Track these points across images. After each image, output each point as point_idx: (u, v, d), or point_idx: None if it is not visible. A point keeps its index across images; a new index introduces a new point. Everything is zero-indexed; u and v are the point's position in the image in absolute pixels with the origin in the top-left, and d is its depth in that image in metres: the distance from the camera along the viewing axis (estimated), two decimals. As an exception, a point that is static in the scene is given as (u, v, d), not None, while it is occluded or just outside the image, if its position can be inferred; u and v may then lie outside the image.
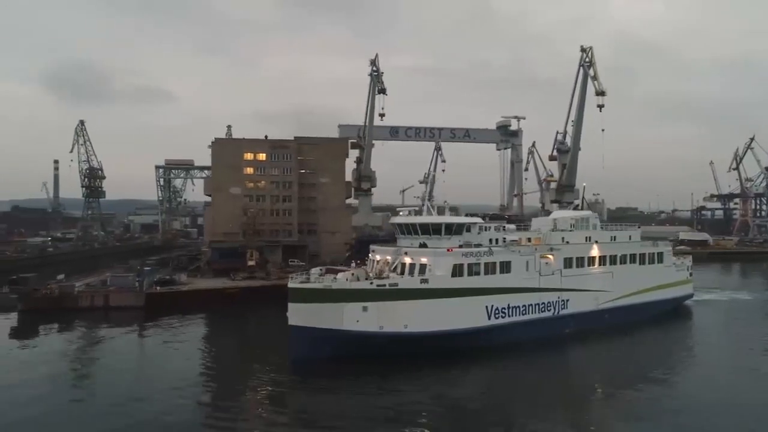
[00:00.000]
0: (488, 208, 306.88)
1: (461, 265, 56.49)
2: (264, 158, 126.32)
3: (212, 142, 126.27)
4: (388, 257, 59.55)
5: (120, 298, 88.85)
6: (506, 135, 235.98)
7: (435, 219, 59.80)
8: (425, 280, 54.73)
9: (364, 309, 52.04)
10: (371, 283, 53.38)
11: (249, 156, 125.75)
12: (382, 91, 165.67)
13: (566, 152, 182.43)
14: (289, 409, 44.17)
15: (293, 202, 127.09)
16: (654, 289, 74.77)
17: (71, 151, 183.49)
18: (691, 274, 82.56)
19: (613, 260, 70.58)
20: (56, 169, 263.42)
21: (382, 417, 40.83)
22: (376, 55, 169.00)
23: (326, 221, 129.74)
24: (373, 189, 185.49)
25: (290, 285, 53.58)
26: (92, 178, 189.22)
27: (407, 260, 57.10)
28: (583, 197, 79.12)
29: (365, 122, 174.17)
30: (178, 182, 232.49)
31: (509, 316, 59.93)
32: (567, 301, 65.04)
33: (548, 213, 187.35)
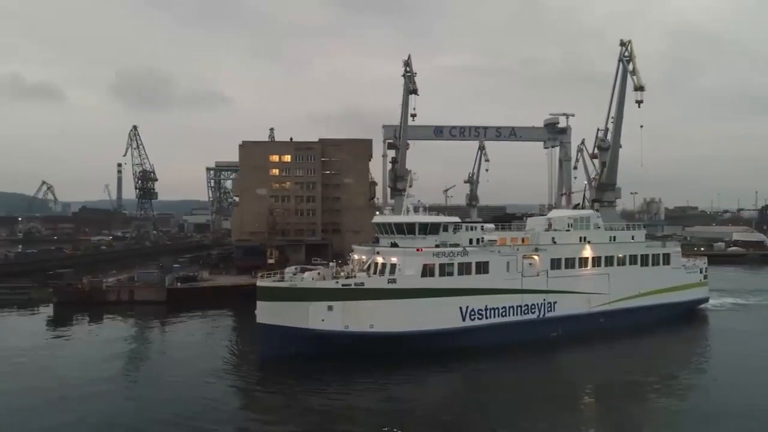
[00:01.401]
0: (536, 207, 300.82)
1: (432, 265, 55.97)
2: (289, 160, 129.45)
3: (240, 145, 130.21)
4: (364, 257, 59.80)
5: (144, 293, 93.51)
6: (554, 133, 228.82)
7: (408, 218, 59.43)
8: (393, 280, 54.60)
9: (329, 308, 52.50)
10: (337, 283, 53.77)
11: (274, 158, 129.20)
12: (414, 91, 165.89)
13: (606, 150, 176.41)
14: (255, 406, 44.71)
15: (317, 202, 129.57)
16: (659, 292, 71.22)
17: (125, 155, 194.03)
18: (705, 277, 78.03)
19: (609, 261, 67.81)
20: (119, 171, 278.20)
21: (344, 416, 41.02)
22: (409, 56, 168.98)
23: (350, 221, 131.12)
24: (409, 189, 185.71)
25: (258, 283, 54.84)
26: (145, 180, 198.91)
27: (379, 260, 57.14)
28: (584, 196, 76.28)
29: (400, 123, 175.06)
30: (228, 183, 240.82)
31: (487, 317, 58.81)
32: (554, 303, 63.09)
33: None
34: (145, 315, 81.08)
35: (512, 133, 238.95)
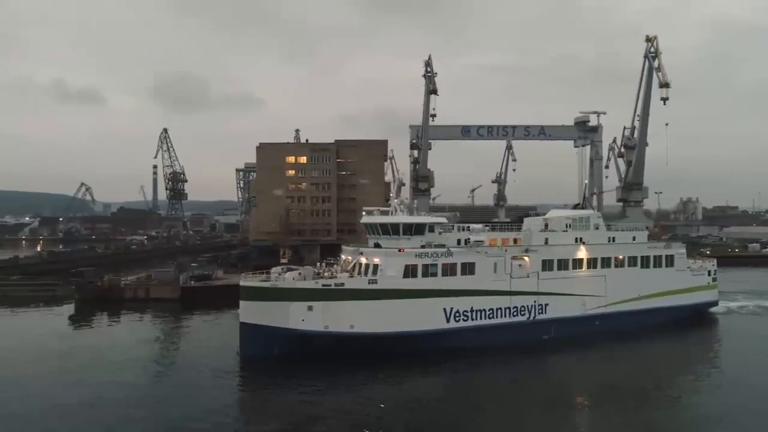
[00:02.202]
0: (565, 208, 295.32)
1: (414, 265, 55.79)
2: (305, 161, 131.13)
3: (257, 147, 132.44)
4: (349, 257, 60.09)
5: (158, 291, 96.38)
6: (584, 131, 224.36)
7: (392, 219, 59.37)
8: (374, 281, 54.68)
9: (309, 308, 52.88)
10: (317, 283, 54.17)
11: (291, 159, 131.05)
12: (434, 91, 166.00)
13: (633, 148, 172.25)
14: (234, 405, 44.82)
15: (332, 202, 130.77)
16: (662, 295, 69.11)
17: (155, 157, 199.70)
18: (714, 279, 75.32)
19: (606, 263, 66.22)
20: (154, 173, 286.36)
21: (323, 416, 40.70)
22: (429, 56, 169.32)
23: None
24: (431, 189, 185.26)
25: (241, 283, 55.75)
26: (175, 181, 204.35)
27: (363, 260, 57.29)
28: (585, 195, 74.60)
29: (423, 123, 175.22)
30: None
31: (473, 319, 58.28)
32: (546, 305, 62.04)
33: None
34: (159, 312, 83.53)
35: (541, 132, 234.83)
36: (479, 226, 64.12)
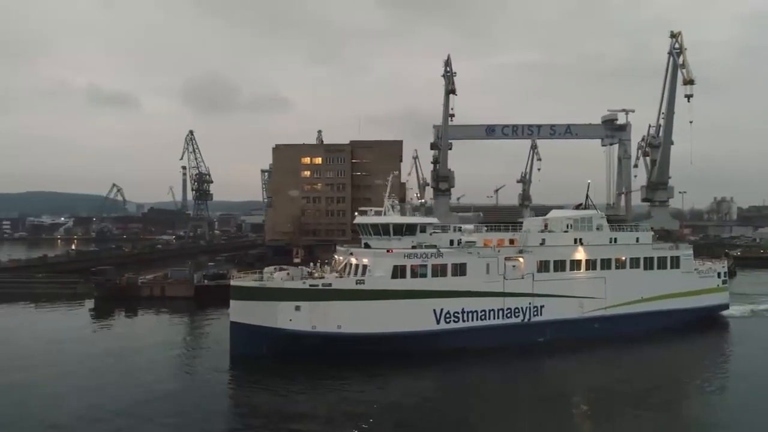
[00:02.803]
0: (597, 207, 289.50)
1: (403, 266, 55.65)
2: (320, 162, 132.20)
3: (273, 148, 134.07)
4: (341, 258, 60.33)
5: (173, 290, 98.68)
6: (612, 130, 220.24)
7: (382, 219, 59.24)
8: (361, 281, 54.78)
9: (297, 308, 53.25)
10: (304, 283, 54.53)
11: (306, 160, 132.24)
12: (452, 91, 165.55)
13: (657, 147, 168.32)
14: (222, 404, 45.04)
15: (347, 202, 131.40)
16: (666, 298, 67.18)
17: (181, 159, 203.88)
18: (724, 282, 72.84)
19: (606, 264, 64.75)
20: (184, 174, 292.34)
21: (309, 416, 40.94)
22: (448, 56, 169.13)
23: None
24: (452, 189, 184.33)
25: (231, 283, 56.53)
26: (200, 182, 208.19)
27: (353, 261, 57.47)
28: (588, 195, 73.00)
29: (442, 123, 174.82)
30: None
31: (464, 320, 57.79)
32: (541, 307, 61.09)
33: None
34: (173, 310, 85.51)
35: (567, 131, 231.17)
36: (471, 226, 63.57)
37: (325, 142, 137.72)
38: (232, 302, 55.59)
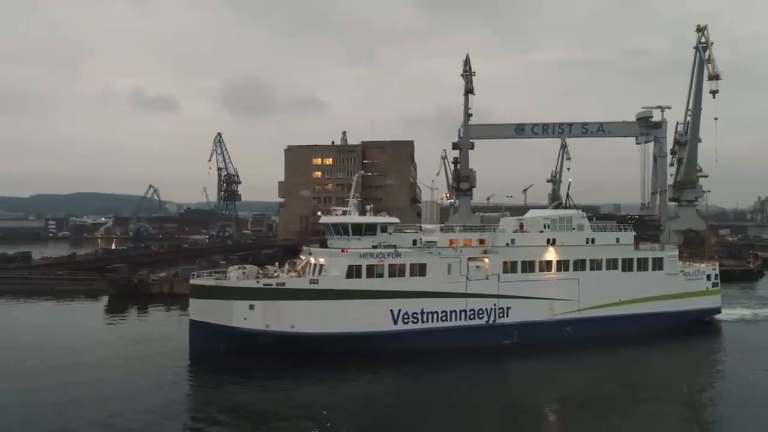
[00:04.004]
0: (627, 207, 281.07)
1: (358, 266, 55.49)
2: (331, 163, 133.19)
3: (285, 149, 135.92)
4: (304, 257, 60.69)
5: (181, 287, 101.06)
6: (647, 127, 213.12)
7: (342, 219, 59.18)
8: (315, 281, 54.96)
9: (251, 307, 53.82)
10: (258, 282, 55.11)
11: (317, 161, 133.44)
12: (470, 91, 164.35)
13: (684, 145, 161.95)
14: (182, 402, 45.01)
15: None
16: (647, 300, 64.52)
17: (209, 160, 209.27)
18: (715, 285, 69.31)
19: (580, 265, 62.72)
20: (219, 175, 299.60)
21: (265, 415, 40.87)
22: (467, 55, 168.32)
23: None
24: (473, 189, 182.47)
25: (191, 281, 57.71)
26: (229, 183, 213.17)
27: (312, 261, 57.82)
28: (568, 194, 70.72)
29: (463, 123, 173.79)
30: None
31: (424, 321, 57.15)
32: (507, 309, 59.78)
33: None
34: (183, 306, 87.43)
35: (600, 129, 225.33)
36: (432, 226, 62.75)
37: (289, 146, 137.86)
38: (191, 300, 56.76)
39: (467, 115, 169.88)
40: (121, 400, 42.84)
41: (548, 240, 62.92)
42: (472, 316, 58.76)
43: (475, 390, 47.26)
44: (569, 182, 70.93)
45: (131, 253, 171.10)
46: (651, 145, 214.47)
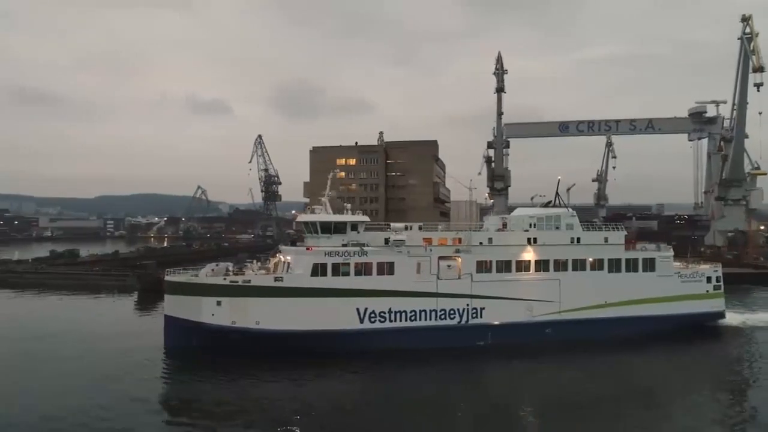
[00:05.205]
0: (679, 207, 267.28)
1: (324, 264, 55.62)
2: (354, 163, 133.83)
3: (310, 151, 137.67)
4: (279, 255, 61.41)
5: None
6: (700, 123, 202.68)
7: (311, 217, 59.47)
8: (280, 278, 55.48)
9: (218, 303, 54.94)
10: (224, 279, 56.18)
11: (341, 161, 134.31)
12: (501, 89, 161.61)
13: (730, 141, 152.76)
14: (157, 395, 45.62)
15: (380, 203, 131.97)
16: (637, 303, 61.31)
17: (250, 162, 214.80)
18: (716, 287, 64.90)
19: (561, 266, 60.49)
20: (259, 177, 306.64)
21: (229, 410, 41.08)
22: (499, 53, 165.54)
23: (415, 221, 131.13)
24: (509, 188, 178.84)
25: (165, 278, 59.50)
26: (269, 184, 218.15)
27: (281, 258, 58.51)
28: (557, 192, 68.02)
29: (496, 122, 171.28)
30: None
31: (391, 320, 56.61)
32: (481, 309, 58.30)
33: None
34: None
35: (649, 126, 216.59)
36: (400, 225, 61.98)
37: (314, 146, 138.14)
38: (165, 296, 58.54)
39: (499, 114, 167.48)
40: (76, 395, 43.72)
41: (528, 239, 61.02)
42: (443, 316, 57.74)
43: (442, 391, 46.49)
44: (558, 180, 68.41)
45: (171, 251, 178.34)
46: (704, 141, 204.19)
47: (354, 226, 59.00)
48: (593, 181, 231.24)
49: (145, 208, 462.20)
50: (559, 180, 68.34)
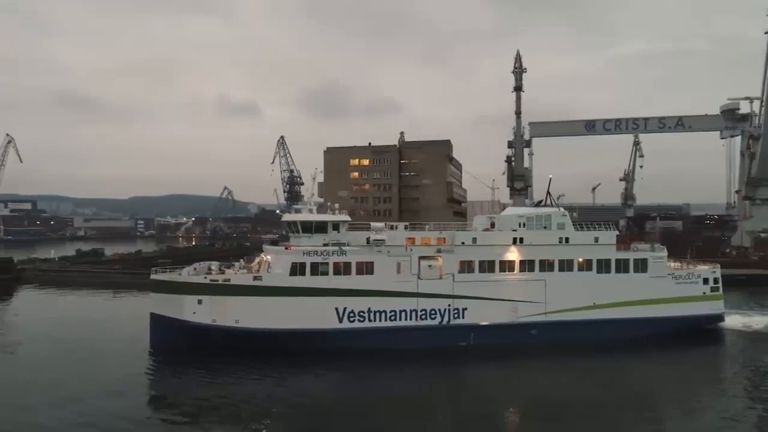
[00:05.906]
0: (712, 207, 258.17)
1: (302, 263, 55.73)
2: (367, 163, 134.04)
3: (324, 151, 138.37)
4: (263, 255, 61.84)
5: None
6: (733, 120, 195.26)
7: (293, 217, 59.63)
8: (258, 278, 55.83)
9: (200, 302, 55.67)
10: (205, 278, 56.77)
11: (354, 162, 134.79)
12: (519, 88, 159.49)
13: (758, 139, 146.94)
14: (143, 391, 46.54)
15: (393, 203, 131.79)
16: (628, 304, 59.37)
17: (272, 162, 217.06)
18: (714, 289, 62.35)
19: (548, 266, 59.16)
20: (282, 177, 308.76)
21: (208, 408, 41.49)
22: (518, 51, 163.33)
23: (428, 221, 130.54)
24: (529, 188, 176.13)
25: (151, 276, 60.55)
26: (291, 184, 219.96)
27: (263, 257, 58.93)
28: (548, 191, 66.43)
29: (516, 121, 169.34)
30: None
31: (370, 320, 56.33)
32: (463, 309, 57.49)
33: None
34: None
35: (679, 124, 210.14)
36: (380, 224, 61.51)
37: (328, 147, 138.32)
38: (151, 294, 59.57)
39: (517, 113, 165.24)
40: (65, 387, 44.95)
41: (514, 239, 59.93)
42: (423, 317, 57.19)
43: (421, 391, 46.22)
44: (550, 178, 66.94)
45: (193, 251, 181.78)
46: (737, 139, 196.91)
47: (335, 226, 58.96)
48: (620, 180, 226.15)
49: (176, 208, 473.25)
50: (550, 179, 66.95)
